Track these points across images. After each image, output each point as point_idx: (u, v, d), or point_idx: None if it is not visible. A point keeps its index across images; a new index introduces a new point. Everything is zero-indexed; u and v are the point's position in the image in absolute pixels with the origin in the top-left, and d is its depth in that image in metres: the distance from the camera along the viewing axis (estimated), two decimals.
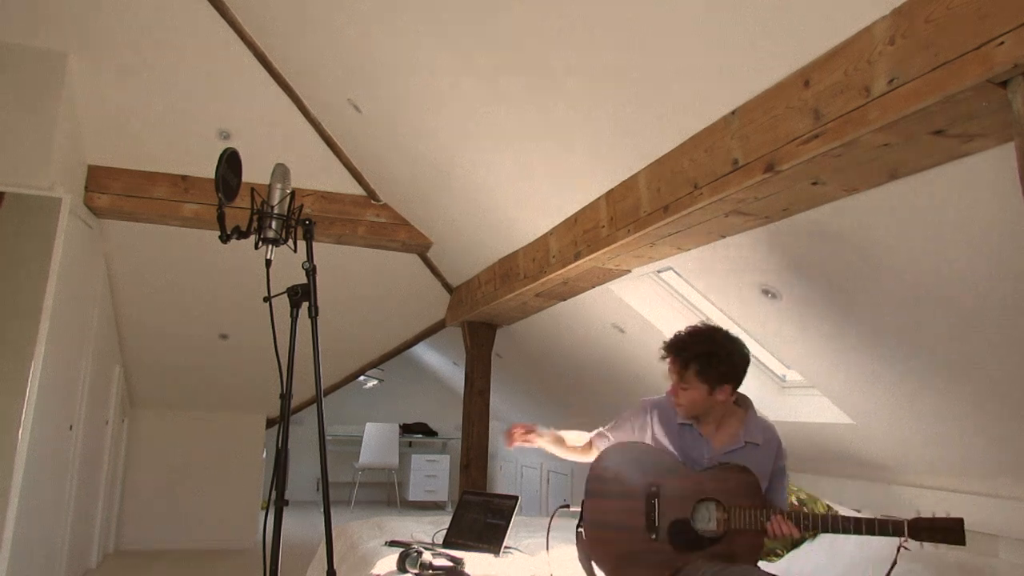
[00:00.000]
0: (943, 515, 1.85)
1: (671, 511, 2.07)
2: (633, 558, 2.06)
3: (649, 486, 2.11)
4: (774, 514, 1.99)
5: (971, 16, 1.22)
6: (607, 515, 2.13)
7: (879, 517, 1.91)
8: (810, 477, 3.00)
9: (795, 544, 2.69)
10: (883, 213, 1.80)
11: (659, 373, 3.50)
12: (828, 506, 2.75)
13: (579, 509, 2.21)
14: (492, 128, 2.84)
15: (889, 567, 1.99)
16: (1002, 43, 1.17)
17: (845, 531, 1.93)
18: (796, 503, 2.74)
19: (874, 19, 1.42)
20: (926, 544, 1.86)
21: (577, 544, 2.19)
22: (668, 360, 2.24)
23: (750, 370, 3.11)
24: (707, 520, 2.05)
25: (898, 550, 1.96)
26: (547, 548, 2.51)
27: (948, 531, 1.83)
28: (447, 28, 2.44)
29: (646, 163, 2.35)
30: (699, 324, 2.30)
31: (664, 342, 2.26)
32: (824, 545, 2.58)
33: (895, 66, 1.37)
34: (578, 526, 2.18)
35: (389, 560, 2.53)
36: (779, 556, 2.69)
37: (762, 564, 2.24)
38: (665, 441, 2.22)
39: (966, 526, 2.32)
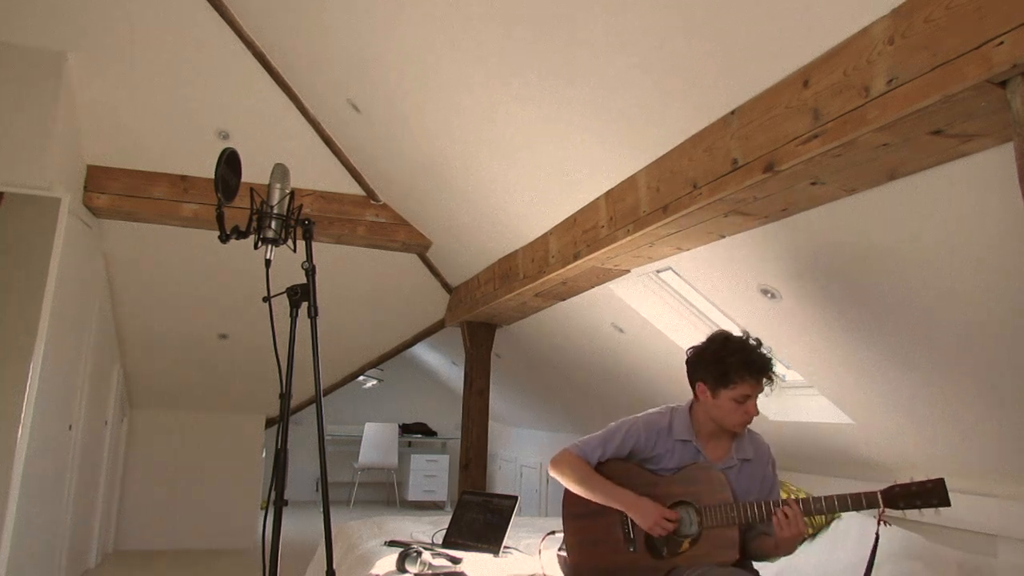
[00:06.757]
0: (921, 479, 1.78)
1: None
2: (617, 573, 2.07)
3: None
4: (743, 504, 1.98)
5: (970, 16, 1.22)
6: (586, 534, 2.14)
7: (851, 493, 1.85)
8: (810, 477, 3.00)
9: None
10: (882, 213, 1.80)
11: (658, 372, 3.53)
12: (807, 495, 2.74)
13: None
14: (492, 128, 2.84)
15: (873, 543, 1.90)
16: (1001, 43, 1.17)
17: (819, 512, 1.89)
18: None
19: (873, 19, 1.42)
20: (910, 511, 1.77)
21: (561, 568, 2.21)
22: None
23: None
24: (688, 524, 2.04)
25: (879, 523, 1.89)
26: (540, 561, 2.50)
27: (929, 493, 1.74)
28: (447, 28, 2.44)
29: (645, 163, 2.35)
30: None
31: None
32: (824, 544, 2.58)
33: (894, 66, 1.37)
34: (559, 550, 2.18)
35: (388, 560, 2.53)
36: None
37: (763, 564, 2.24)
38: (665, 457, 2.15)
39: (966, 526, 2.34)
